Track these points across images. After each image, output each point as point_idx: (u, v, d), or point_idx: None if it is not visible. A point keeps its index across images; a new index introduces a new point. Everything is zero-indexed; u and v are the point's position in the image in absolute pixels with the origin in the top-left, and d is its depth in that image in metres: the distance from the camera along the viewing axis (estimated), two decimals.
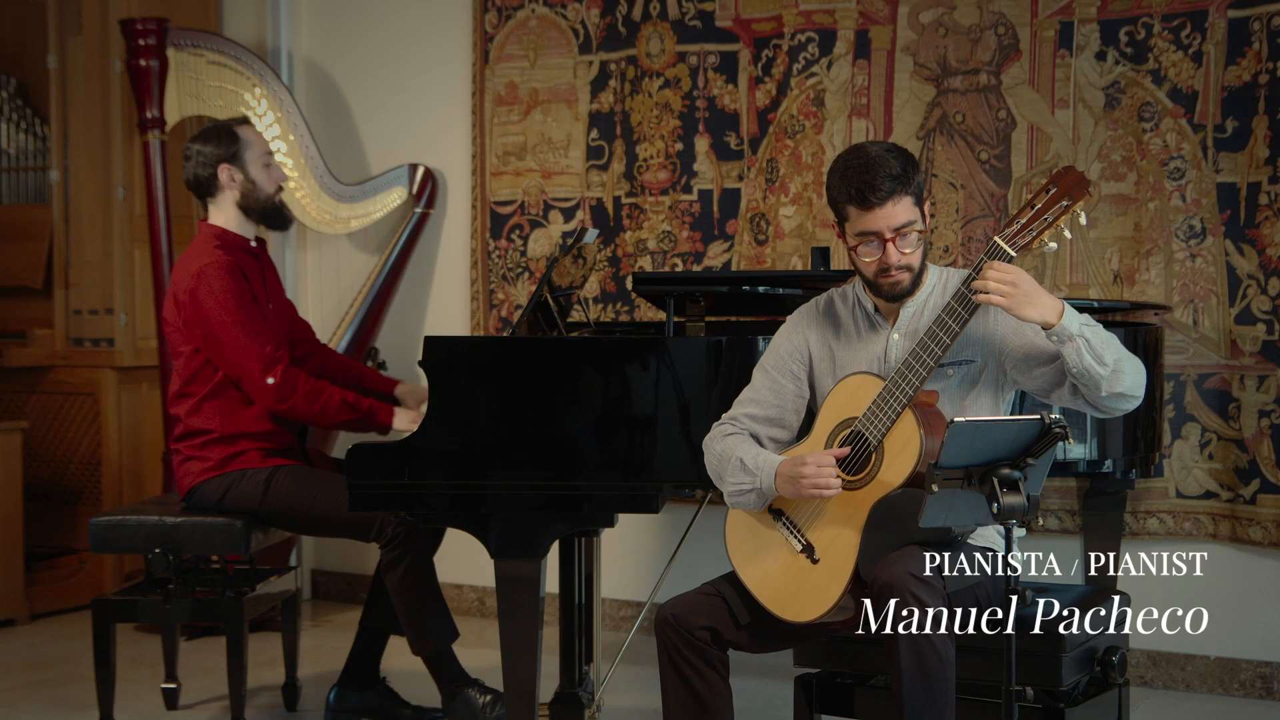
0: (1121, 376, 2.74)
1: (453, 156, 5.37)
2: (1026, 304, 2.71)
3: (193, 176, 3.97)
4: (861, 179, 2.82)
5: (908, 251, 2.86)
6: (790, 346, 3.06)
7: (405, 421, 3.89)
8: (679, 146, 4.92)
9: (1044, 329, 2.73)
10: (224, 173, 3.93)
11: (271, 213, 4.01)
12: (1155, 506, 4.30)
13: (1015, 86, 4.42)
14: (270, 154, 4.02)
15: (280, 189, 4.02)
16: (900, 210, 2.83)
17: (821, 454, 2.82)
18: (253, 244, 4.01)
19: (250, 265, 3.94)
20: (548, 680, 3.80)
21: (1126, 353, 2.78)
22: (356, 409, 3.84)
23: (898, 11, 4.55)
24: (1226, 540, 4.23)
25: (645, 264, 4.96)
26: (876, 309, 2.99)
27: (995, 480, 2.52)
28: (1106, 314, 3.95)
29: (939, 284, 2.97)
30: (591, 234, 4.00)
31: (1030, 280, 2.73)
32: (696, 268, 4.89)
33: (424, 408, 3.86)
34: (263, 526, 3.90)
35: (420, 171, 5.34)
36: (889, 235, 2.84)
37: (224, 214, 3.97)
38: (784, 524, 2.92)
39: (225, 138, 3.95)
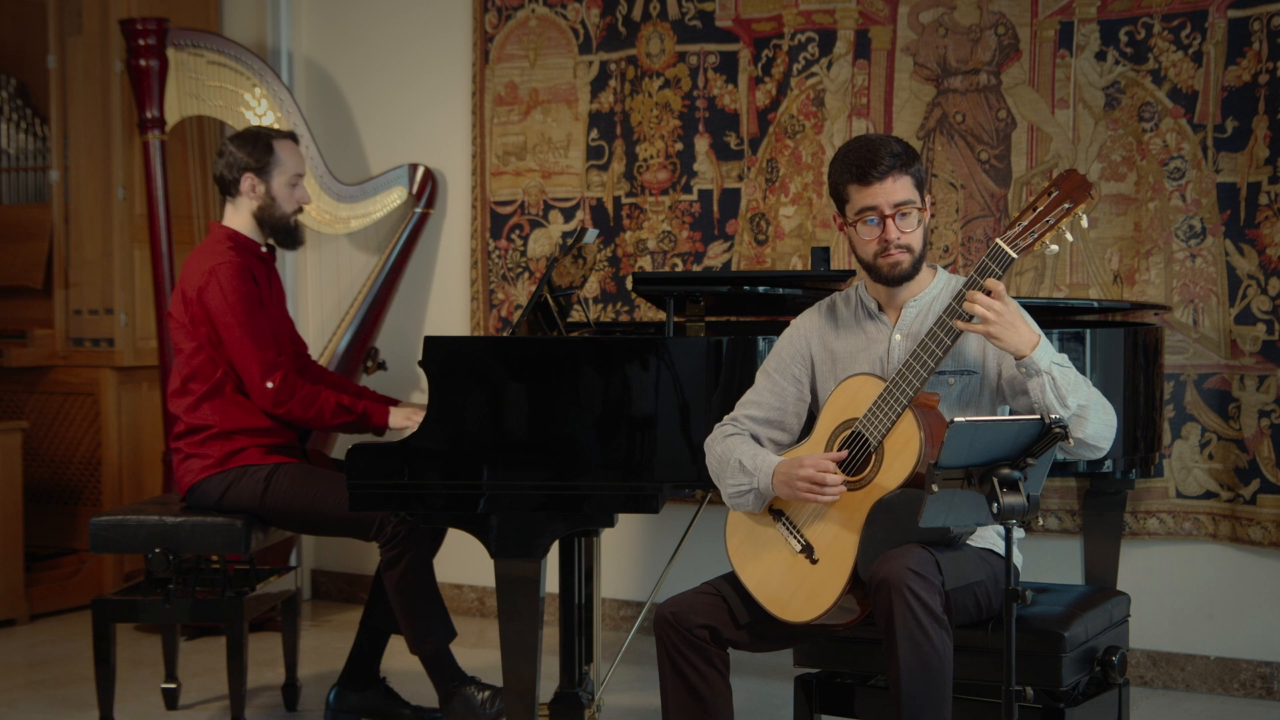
0: (1084, 424, 2.77)
1: (453, 156, 5.37)
2: (1006, 331, 2.74)
3: (218, 174, 3.99)
4: (862, 156, 2.88)
5: (908, 230, 2.89)
6: (793, 350, 3.06)
7: (401, 419, 3.90)
8: (679, 146, 4.92)
9: (1016, 359, 2.76)
10: (246, 181, 3.94)
11: (284, 231, 4.01)
12: (1155, 506, 4.30)
13: (1015, 86, 4.42)
14: (301, 175, 4.01)
15: (300, 210, 4.03)
16: (900, 188, 2.87)
17: (819, 458, 2.82)
18: (263, 249, 4.02)
19: (259, 270, 3.97)
20: (548, 680, 3.80)
21: (1099, 402, 2.80)
22: (351, 411, 3.88)
23: (898, 11, 4.55)
24: (1226, 540, 4.23)
25: (645, 264, 4.96)
26: (880, 308, 3.00)
27: (995, 480, 2.52)
28: (1106, 314, 3.95)
29: (946, 287, 2.97)
30: (591, 234, 4.00)
31: (1015, 309, 2.77)
32: (696, 268, 4.89)
33: (419, 412, 3.88)
34: (263, 526, 3.90)
35: (420, 171, 5.34)
36: (888, 211, 2.87)
37: (240, 218, 3.98)
38: (783, 524, 2.92)
39: (260, 148, 3.95)
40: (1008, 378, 2.89)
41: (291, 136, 4.05)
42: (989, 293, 2.75)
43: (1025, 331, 2.76)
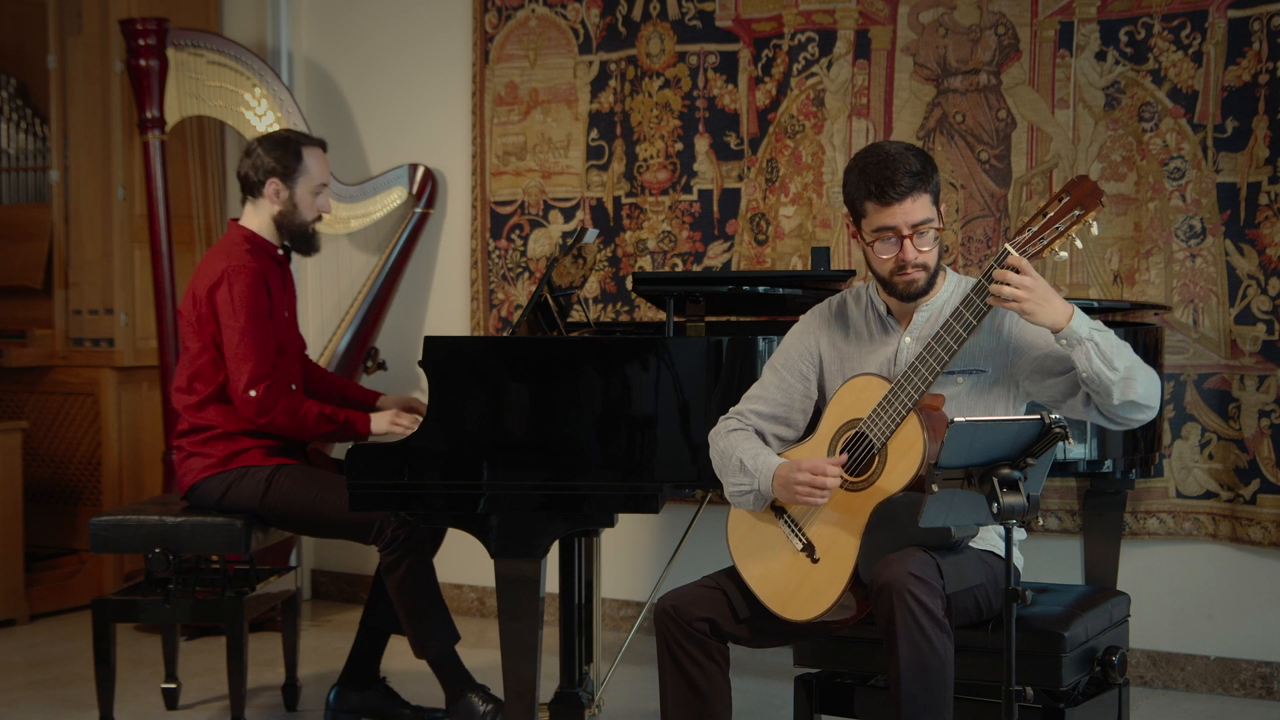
0: (1133, 384, 2.73)
1: (453, 156, 5.37)
2: (1040, 306, 2.71)
3: (243, 174, 3.98)
4: (881, 174, 2.83)
5: (925, 249, 2.86)
6: (801, 347, 3.05)
7: (383, 424, 3.90)
8: (679, 146, 4.92)
9: (1054, 333, 2.74)
10: (271, 185, 3.93)
11: (301, 238, 4.01)
12: (1155, 506, 4.30)
13: (1015, 86, 4.42)
14: (325, 185, 4.01)
15: (319, 218, 4.02)
16: (919, 207, 2.83)
17: (818, 463, 2.82)
18: (279, 251, 4.02)
19: (274, 273, 3.96)
20: (548, 680, 3.80)
21: (1139, 361, 2.77)
22: (334, 420, 3.86)
23: (898, 11, 4.55)
24: (1226, 540, 4.23)
25: (645, 264, 4.96)
26: (889, 311, 2.99)
27: (995, 480, 2.52)
28: (1106, 314, 3.95)
29: (956, 289, 2.96)
30: (591, 234, 4.01)
31: (1045, 284, 2.73)
32: (696, 268, 4.89)
33: (401, 414, 3.89)
34: (263, 526, 3.90)
35: (420, 171, 5.34)
36: (906, 232, 2.84)
37: (259, 219, 3.98)
38: (785, 522, 2.92)
39: (289, 154, 3.94)
40: (1039, 358, 2.85)
41: (321, 145, 4.04)
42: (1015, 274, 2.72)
43: (1059, 304, 2.72)
